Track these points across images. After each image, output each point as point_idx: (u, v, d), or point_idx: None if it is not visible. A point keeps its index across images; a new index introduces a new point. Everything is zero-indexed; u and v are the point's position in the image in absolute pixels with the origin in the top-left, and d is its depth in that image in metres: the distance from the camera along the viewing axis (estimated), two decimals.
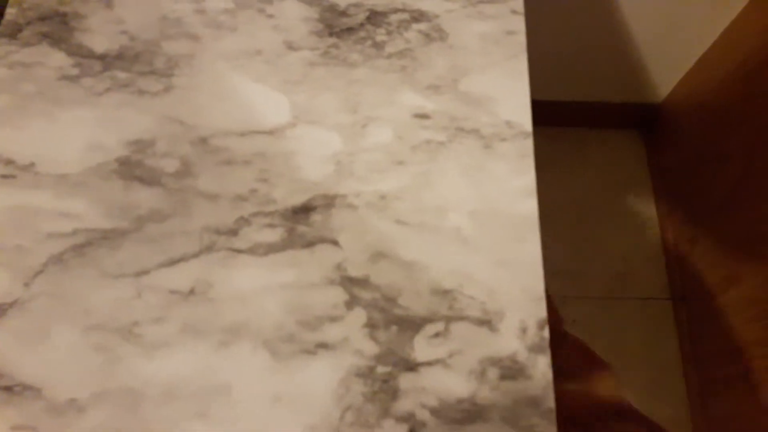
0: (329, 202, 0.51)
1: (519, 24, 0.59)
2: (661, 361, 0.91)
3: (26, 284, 0.46)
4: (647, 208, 1.13)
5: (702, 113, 1.03)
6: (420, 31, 0.58)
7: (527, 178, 0.52)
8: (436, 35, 0.58)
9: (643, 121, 1.20)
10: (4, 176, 0.50)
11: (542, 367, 0.45)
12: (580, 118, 1.13)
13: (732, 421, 0.90)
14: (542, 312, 0.47)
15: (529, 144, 0.53)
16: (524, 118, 0.54)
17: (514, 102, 0.55)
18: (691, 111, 1.07)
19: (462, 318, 0.47)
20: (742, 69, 0.92)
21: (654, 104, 1.17)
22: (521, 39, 0.58)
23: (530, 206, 0.51)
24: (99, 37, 0.56)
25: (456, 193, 0.51)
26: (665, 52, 1.02)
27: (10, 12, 0.56)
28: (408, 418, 0.43)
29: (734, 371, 0.89)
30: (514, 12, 0.59)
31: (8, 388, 0.43)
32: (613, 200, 1.09)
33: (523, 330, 0.46)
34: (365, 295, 0.47)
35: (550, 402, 0.45)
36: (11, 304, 0.45)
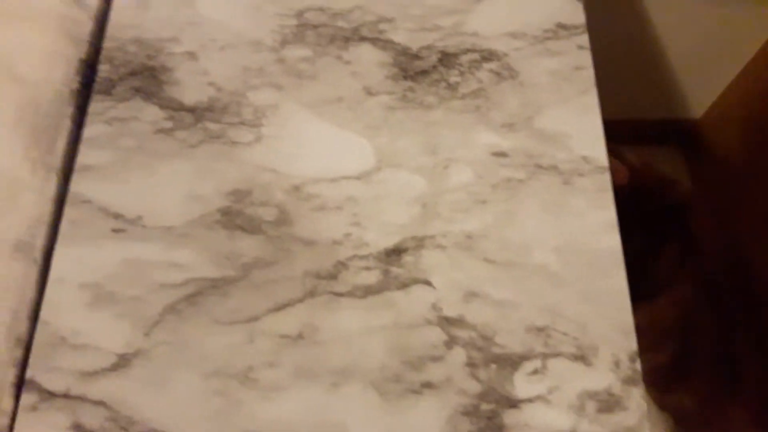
0: (419, 243, 0.53)
1: (586, 59, 0.61)
2: None
3: (146, 334, 0.49)
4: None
5: (743, 128, 1.03)
6: (491, 71, 0.60)
7: (608, 212, 0.54)
8: (507, 74, 0.60)
9: (682, 137, 1.22)
10: (115, 230, 0.53)
11: (636, 398, 0.48)
12: (619, 135, 1.15)
13: None
14: (633, 345, 0.49)
15: (606, 178, 0.55)
16: (600, 153, 0.56)
17: (588, 137, 0.57)
18: (731, 126, 1.07)
19: (557, 354, 0.49)
20: None
21: (693, 120, 1.18)
22: (590, 74, 0.60)
23: (613, 241, 0.53)
24: (188, 90, 0.59)
25: (539, 230, 0.54)
26: (703, 67, 1.03)
27: (103, 69, 0.59)
28: None
29: None
30: (580, 47, 0.61)
31: None
32: None
33: (616, 363, 0.49)
34: (462, 334, 0.50)
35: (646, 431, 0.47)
36: (135, 354, 0.49)
